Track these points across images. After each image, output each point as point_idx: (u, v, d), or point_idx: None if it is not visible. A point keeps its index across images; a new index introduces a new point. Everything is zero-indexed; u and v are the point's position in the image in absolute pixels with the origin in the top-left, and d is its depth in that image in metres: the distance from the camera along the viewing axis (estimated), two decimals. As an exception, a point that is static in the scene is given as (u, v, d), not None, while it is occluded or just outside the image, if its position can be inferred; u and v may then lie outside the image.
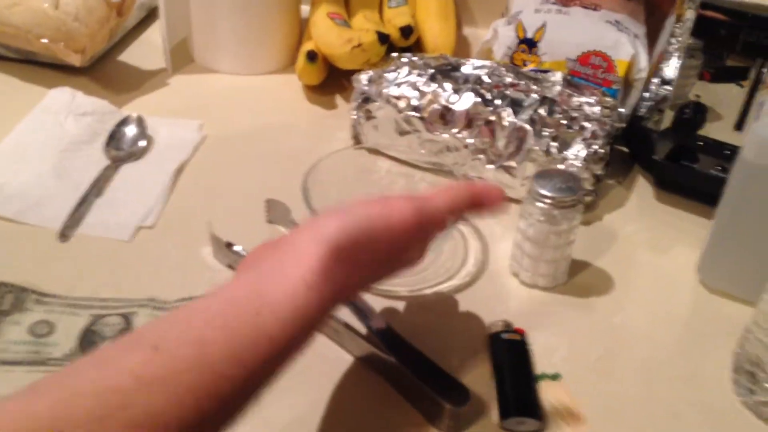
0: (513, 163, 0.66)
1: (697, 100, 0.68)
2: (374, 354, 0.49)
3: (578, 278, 0.60)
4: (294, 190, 0.58)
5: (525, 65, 0.76)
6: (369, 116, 0.71)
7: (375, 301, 0.55)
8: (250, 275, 0.37)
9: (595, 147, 0.64)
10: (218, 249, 0.58)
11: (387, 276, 0.44)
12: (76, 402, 0.29)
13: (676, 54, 0.71)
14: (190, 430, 0.31)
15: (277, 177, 0.68)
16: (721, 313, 0.56)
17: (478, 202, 0.46)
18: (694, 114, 0.66)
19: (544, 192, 0.55)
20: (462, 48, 0.92)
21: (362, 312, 0.54)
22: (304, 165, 0.59)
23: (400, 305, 0.56)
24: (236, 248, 0.57)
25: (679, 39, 0.69)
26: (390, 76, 0.71)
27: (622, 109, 0.71)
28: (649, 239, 0.65)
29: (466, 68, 0.70)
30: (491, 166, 0.67)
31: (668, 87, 0.71)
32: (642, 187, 0.71)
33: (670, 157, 0.68)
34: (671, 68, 0.71)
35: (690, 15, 0.64)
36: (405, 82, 0.69)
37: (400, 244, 0.41)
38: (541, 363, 0.52)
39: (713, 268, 0.58)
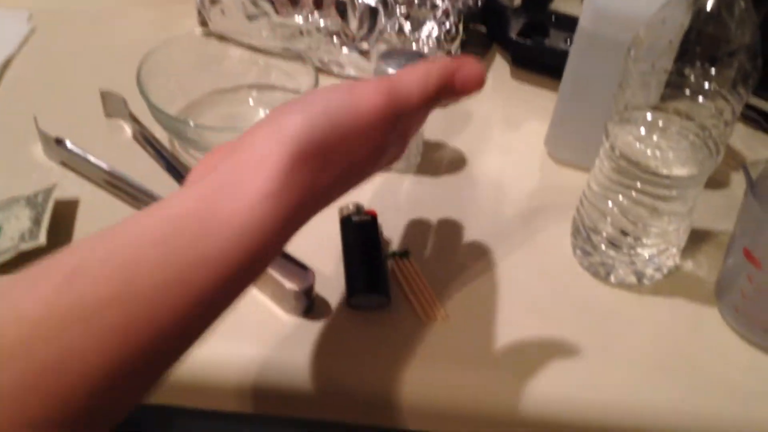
0: (366, 45, 0.64)
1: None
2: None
3: (431, 157, 0.60)
4: (133, 81, 0.54)
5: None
6: (214, 1, 0.66)
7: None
8: (196, 188, 0.30)
9: (448, 25, 0.63)
10: (48, 146, 0.54)
11: (362, 177, 0.37)
12: None
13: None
14: (116, 375, 0.26)
15: (113, 68, 0.63)
16: (566, 183, 0.58)
17: (455, 79, 0.37)
18: (543, -12, 0.66)
19: (390, 72, 0.54)
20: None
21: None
22: (142, 55, 0.56)
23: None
24: (68, 144, 0.53)
25: None
26: (233, -46, 0.66)
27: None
28: (503, 117, 0.65)
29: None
30: (345, 50, 0.65)
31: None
32: (499, 66, 0.71)
33: (523, 33, 0.68)
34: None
35: None
36: (250, -40, 0.65)
37: (374, 136, 0.35)
38: (391, 241, 0.52)
39: (558, 140, 0.59)
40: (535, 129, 0.63)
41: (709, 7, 0.41)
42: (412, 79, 0.36)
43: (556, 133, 0.59)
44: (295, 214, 0.31)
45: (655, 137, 0.47)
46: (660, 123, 0.46)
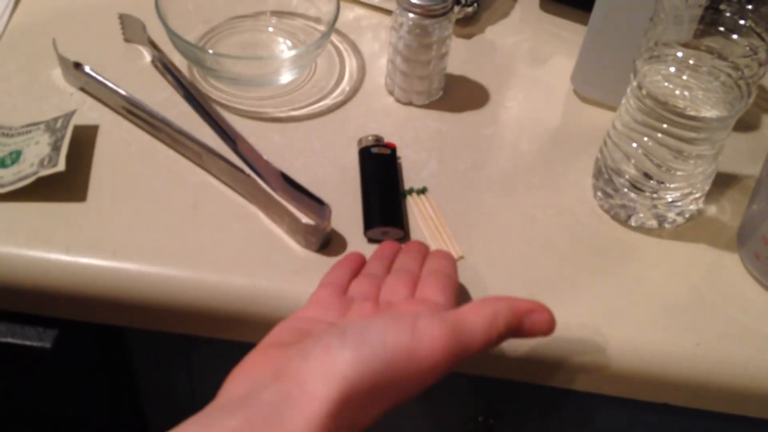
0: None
1: None
2: (236, 174, 0.48)
3: (453, 92, 0.58)
4: (152, 5, 0.53)
5: None
6: None
7: (242, 123, 0.53)
8: (237, 418, 0.29)
9: (476, -48, 0.61)
10: (67, 70, 0.54)
11: (399, 405, 0.34)
12: None
13: None
14: None
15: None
16: (591, 122, 0.57)
17: (523, 323, 0.35)
18: None
19: (413, 0, 0.52)
20: None
21: (227, 135, 0.52)
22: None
23: (269, 127, 0.54)
24: (87, 69, 0.53)
25: None
26: None
27: None
28: (529, 50, 0.63)
29: None
30: (371, -24, 0.63)
31: None
32: (528, -1, 0.69)
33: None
34: None
35: None
36: None
37: (430, 380, 0.32)
38: (410, 178, 0.52)
39: (585, 77, 0.58)
40: (562, 64, 0.61)
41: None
42: (479, 321, 0.33)
43: (584, 69, 0.57)
44: None
45: (684, 76, 0.45)
46: (691, 61, 0.45)
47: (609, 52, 0.54)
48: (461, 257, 0.47)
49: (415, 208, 0.50)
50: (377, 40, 0.63)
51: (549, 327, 0.35)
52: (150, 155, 0.51)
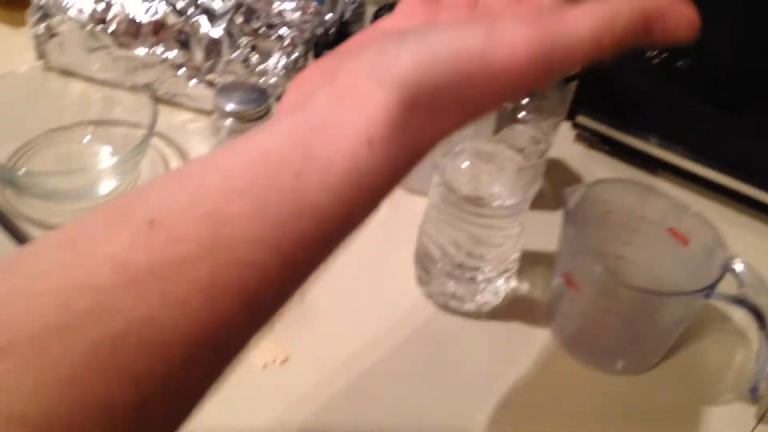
0: (214, 77, 0.63)
1: (394, 1, 0.68)
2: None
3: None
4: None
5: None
6: (52, 32, 0.64)
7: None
8: (288, 123, 0.25)
9: (296, 55, 0.63)
10: None
11: (472, 122, 0.28)
12: (23, 308, 0.20)
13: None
14: (199, 349, 0.22)
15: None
16: (417, 210, 0.59)
17: (654, 25, 0.26)
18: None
19: (227, 107, 0.53)
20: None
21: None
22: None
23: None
24: None
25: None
26: (69, -14, 0.64)
27: (328, 15, 0.70)
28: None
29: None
30: (193, 81, 0.64)
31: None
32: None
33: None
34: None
35: None
36: (87, -8, 0.63)
37: (506, 94, 0.27)
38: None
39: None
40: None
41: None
42: (586, 23, 0.26)
43: None
44: (401, 165, 0.26)
45: (481, 166, 0.48)
46: (485, 154, 0.48)
47: None
48: (286, 359, 0.47)
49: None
50: (205, 143, 0.63)
51: (692, 26, 0.26)
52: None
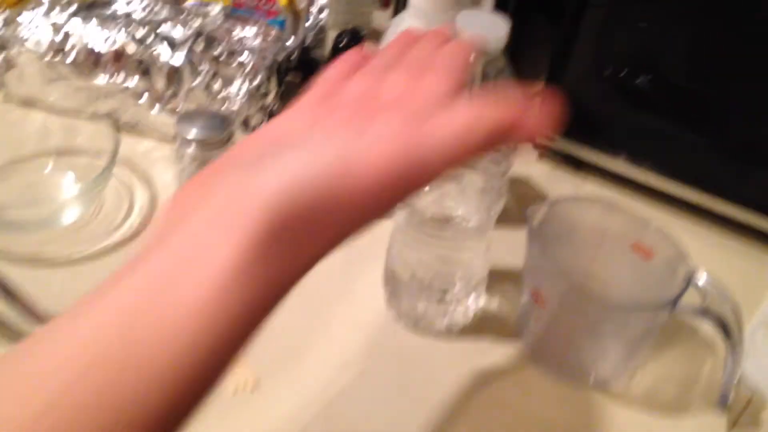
0: (176, 105, 0.63)
1: (354, 27, 0.69)
2: (14, 332, 0.45)
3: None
4: None
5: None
6: (10, 64, 0.63)
7: (17, 272, 0.51)
8: (152, 265, 0.24)
9: (258, 81, 0.63)
10: None
11: (348, 239, 0.29)
12: None
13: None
14: None
15: None
16: (382, 231, 0.59)
17: (509, 134, 0.28)
18: (350, 41, 0.67)
19: (189, 134, 0.53)
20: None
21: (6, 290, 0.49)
22: None
23: (50, 274, 0.52)
24: None
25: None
26: (26, 16, 0.63)
27: (289, 41, 0.70)
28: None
29: (118, 3, 0.65)
30: (155, 109, 0.63)
31: (323, 15, 0.72)
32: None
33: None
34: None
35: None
36: (44, 23, 0.63)
37: (370, 206, 0.27)
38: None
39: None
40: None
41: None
42: (447, 136, 0.27)
43: None
44: (272, 293, 0.26)
45: (443, 189, 0.49)
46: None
47: None
48: (256, 383, 0.46)
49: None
50: (169, 170, 0.62)
51: (552, 124, 0.28)
52: None
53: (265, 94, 0.64)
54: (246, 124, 0.63)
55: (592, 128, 0.65)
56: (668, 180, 0.62)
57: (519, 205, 0.63)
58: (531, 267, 0.47)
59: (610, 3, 0.58)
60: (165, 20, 0.64)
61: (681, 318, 0.53)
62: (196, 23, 0.64)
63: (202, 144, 0.53)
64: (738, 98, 0.57)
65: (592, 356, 0.47)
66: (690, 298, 0.43)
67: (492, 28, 0.44)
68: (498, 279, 0.55)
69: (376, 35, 0.71)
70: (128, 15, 0.63)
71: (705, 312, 0.43)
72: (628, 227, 0.48)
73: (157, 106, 0.63)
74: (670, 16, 0.57)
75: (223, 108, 0.62)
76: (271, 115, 0.66)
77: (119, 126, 0.59)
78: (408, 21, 0.53)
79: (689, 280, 0.43)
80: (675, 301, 0.42)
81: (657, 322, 0.45)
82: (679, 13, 0.56)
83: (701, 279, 0.43)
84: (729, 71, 0.57)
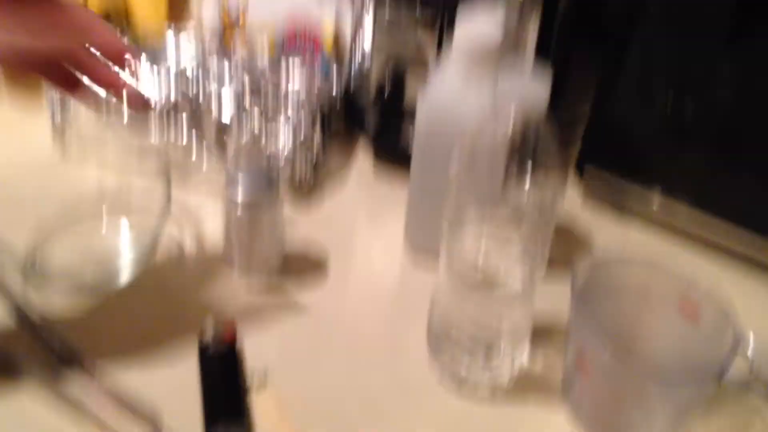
0: (225, 160, 0.65)
1: (395, 72, 0.69)
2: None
3: (294, 266, 0.60)
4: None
5: (234, 47, 0.75)
6: (69, 122, 0.66)
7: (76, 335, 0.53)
8: None
9: (305, 132, 0.65)
10: None
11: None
12: None
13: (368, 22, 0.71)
14: None
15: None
16: (429, 282, 0.59)
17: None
18: (394, 86, 0.68)
19: (238, 192, 0.54)
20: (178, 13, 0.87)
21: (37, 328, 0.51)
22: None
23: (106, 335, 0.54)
24: None
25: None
26: (83, 78, 0.66)
27: (332, 88, 0.71)
28: (368, 216, 0.67)
29: (170, 58, 0.67)
30: (205, 165, 0.65)
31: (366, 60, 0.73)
32: (364, 164, 0.73)
33: (381, 130, 0.70)
34: (366, 39, 0.72)
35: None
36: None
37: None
38: (251, 364, 0.52)
39: (415, 237, 0.61)
40: (397, 225, 0.64)
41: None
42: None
43: (413, 230, 0.61)
44: None
45: (486, 243, 0.49)
46: (491, 233, 0.48)
47: (430, 213, 0.57)
48: (302, 449, 0.47)
49: (258, 405, 0.50)
50: (219, 227, 0.64)
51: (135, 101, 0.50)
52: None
53: (312, 145, 0.66)
54: (293, 178, 0.64)
55: (637, 165, 0.64)
56: (712, 223, 0.60)
57: (564, 253, 0.62)
58: (575, 330, 0.47)
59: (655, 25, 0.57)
60: (215, 76, 0.66)
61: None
62: (245, 78, 0.66)
63: (249, 206, 0.54)
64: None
65: (639, 424, 0.47)
66: (739, 362, 0.43)
67: (532, 95, 0.44)
68: (543, 333, 0.55)
69: (422, 64, 0.69)
70: (182, 70, 0.66)
71: (753, 383, 0.42)
72: (674, 286, 0.47)
73: (207, 162, 0.65)
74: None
75: (271, 161, 0.63)
76: (317, 165, 0.67)
77: (170, 182, 0.61)
78: (451, 67, 0.53)
79: (736, 346, 0.42)
80: (721, 373, 0.41)
81: (704, 392, 0.44)
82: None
83: (749, 345, 0.42)
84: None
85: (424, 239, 0.61)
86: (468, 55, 0.51)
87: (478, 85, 0.51)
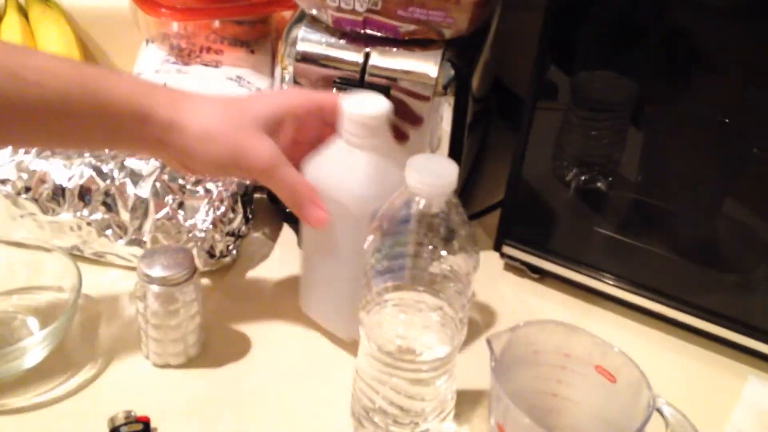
0: (142, 237, 0.63)
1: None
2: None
3: (215, 346, 0.59)
4: None
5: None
6: (-25, 201, 0.64)
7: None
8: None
9: (223, 208, 0.64)
10: None
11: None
12: None
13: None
14: None
15: None
16: (344, 361, 0.58)
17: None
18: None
19: (151, 273, 0.53)
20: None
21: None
22: None
23: (5, 423, 0.51)
24: None
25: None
26: (-8, 157, 0.64)
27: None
28: (289, 288, 0.65)
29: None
30: (122, 241, 0.64)
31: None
32: (287, 235, 0.72)
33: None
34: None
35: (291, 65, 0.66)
36: (11, 162, 0.63)
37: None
38: (167, 451, 0.50)
39: (308, 305, 0.61)
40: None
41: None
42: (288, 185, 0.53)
43: (305, 299, 0.61)
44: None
45: (404, 316, 0.49)
46: (408, 303, 0.49)
47: (322, 282, 0.58)
48: None
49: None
50: (134, 303, 0.62)
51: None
52: None
53: (231, 221, 0.65)
54: (211, 253, 0.63)
55: (556, 238, 0.66)
56: (629, 289, 0.62)
57: (486, 320, 0.63)
58: (495, 399, 0.47)
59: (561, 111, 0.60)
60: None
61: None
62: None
63: (166, 281, 0.53)
64: (688, 205, 0.58)
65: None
66: (655, 423, 0.43)
67: (442, 172, 0.45)
68: (467, 401, 0.54)
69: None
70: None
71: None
72: (591, 350, 0.48)
73: (123, 238, 0.63)
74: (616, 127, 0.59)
75: (189, 236, 0.62)
76: (238, 238, 0.66)
77: (84, 258, 0.59)
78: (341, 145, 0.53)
79: (651, 408, 0.43)
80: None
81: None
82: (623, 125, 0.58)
83: (664, 408, 0.43)
84: (678, 179, 0.59)
85: (316, 308, 0.60)
86: (354, 124, 0.51)
87: (364, 155, 0.51)
